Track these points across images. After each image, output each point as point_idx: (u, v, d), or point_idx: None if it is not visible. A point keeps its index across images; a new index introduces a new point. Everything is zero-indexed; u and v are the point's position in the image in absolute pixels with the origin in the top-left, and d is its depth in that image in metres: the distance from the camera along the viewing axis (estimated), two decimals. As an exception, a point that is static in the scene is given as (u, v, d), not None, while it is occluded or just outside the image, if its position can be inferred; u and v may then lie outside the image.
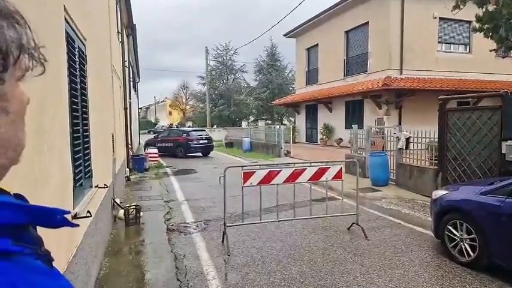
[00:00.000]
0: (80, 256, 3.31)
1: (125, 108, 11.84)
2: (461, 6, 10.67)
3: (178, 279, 4.24)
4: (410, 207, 7.28)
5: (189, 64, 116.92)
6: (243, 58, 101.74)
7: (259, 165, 6.35)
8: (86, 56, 4.30)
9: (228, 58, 42.83)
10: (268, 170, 5.61)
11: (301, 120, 25.90)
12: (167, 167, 15.10)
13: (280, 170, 5.66)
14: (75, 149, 3.46)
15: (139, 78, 28.56)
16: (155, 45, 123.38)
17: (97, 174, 4.57)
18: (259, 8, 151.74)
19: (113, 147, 7.08)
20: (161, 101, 68.86)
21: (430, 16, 17.38)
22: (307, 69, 25.07)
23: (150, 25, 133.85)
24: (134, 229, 6.26)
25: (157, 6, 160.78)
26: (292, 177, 5.60)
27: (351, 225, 5.95)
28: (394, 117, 16.96)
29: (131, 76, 16.83)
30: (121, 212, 6.52)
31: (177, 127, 40.97)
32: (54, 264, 0.57)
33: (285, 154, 17.14)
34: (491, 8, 10.30)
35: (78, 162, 3.60)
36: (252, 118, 42.06)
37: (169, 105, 64.96)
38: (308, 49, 24.69)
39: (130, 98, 13.62)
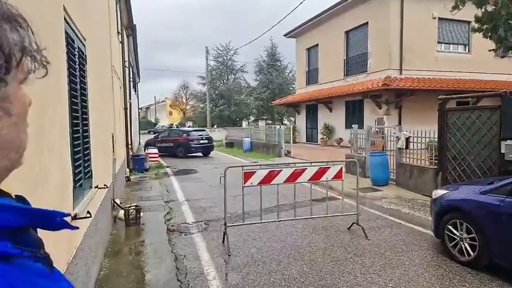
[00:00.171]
0: (80, 257, 3.31)
1: (125, 108, 11.85)
2: (460, 7, 10.68)
3: (178, 280, 4.24)
4: (411, 207, 7.28)
5: (189, 64, 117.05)
6: (243, 58, 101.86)
7: (260, 165, 6.35)
8: (85, 56, 4.30)
9: (228, 58, 42.86)
10: (268, 170, 5.61)
11: (301, 120, 25.90)
12: (167, 167, 15.10)
13: (281, 170, 5.66)
14: (75, 150, 3.46)
15: (139, 78, 28.57)
16: (155, 45, 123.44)
17: (97, 175, 4.57)
18: (259, 8, 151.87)
19: (113, 147, 7.08)
20: (161, 101, 68.86)
21: (430, 16, 17.40)
22: (307, 69, 25.07)
23: (150, 25, 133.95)
24: (134, 229, 6.26)
25: (158, 6, 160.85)
26: (293, 177, 5.60)
27: (351, 225, 5.95)
28: (394, 117, 16.97)
29: (131, 76, 16.84)
30: (121, 213, 6.52)
31: (177, 127, 40.97)
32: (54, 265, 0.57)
33: (286, 154, 17.14)
34: (490, 8, 10.31)
35: (78, 163, 3.60)
36: (252, 118, 42.10)
37: (170, 105, 64.96)
38: (308, 49, 24.70)
39: (130, 98, 13.63)
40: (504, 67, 17.71)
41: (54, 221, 0.54)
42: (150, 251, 5.23)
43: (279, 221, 5.95)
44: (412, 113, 16.49)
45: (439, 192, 5.23)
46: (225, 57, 42.76)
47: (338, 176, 5.78)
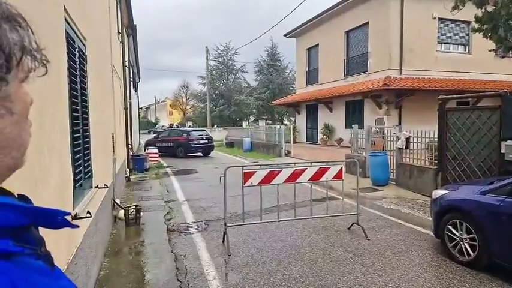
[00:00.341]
0: (80, 256, 3.31)
1: (125, 108, 11.85)
2: (460, 7, 10.68)
3: (178, 280, 4.24)
4: (411, 207, 7.29)
5: (190, 64, 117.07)
6: (244, 58, 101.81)
7: (260, 165, 6.35)
8: (86, 56, 4.30)
9: (228, 58, 42.88)
10: (268, 170, 5.61)
11: (301, 120, 25.90)
12: (167, 167, 15.10)
13: (281, 170, 5.66)
14: (75, 149, 3.46)
15: (139, 78, 28.57)
16: (155, 45, 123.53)
17: (97, 175, 4.57)
18: (259, 8, 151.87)
19: (113, 147, 7.09)
20: (161, 101, 68.86)
21: (430, 16, 17.40)
22: (307, 69, 25.07)
23: (150, 25, 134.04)
24: (134, 229, 6.26)
25: (158, 6, 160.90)
26: (293, 177, 5.61)
27: (352, 225, 5.95)
28: (394, 117, 16.97)
29: (131, 76, 16.84)
30: (121, 212, 6.52)
31: (178, 127, 40.98)
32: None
33: (286, 154, 17.14)
34: (490, 8, 10.31)
35: (78, 163, 3.60)
36: (252, 118, 42.13)
37: (170, 105, 64.95)
38: (308, 49, 24.70)
39: (130, 98, 13.63)
40: (504, 67, 17.70)
41: (56, 219, 0.55)
42: (150, 251, 5.23)
43: (279, 221, 5.95)
44: (412, 113, 16.50)
45: (439, 192, 5.23)
46: (225, 57, 42.80)
47: (338, 176, 5.78)
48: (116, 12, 9.42)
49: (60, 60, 2.98)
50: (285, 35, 26.44)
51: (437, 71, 17.41)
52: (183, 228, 6.27)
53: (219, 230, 5.93)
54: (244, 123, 36.53)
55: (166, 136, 20.74)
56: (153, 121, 60.95)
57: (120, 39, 10.74)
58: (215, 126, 37.64)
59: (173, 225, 6.44)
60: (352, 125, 12.08)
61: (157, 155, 16.63)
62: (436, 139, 7.87)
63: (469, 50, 18.61)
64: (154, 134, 29.88)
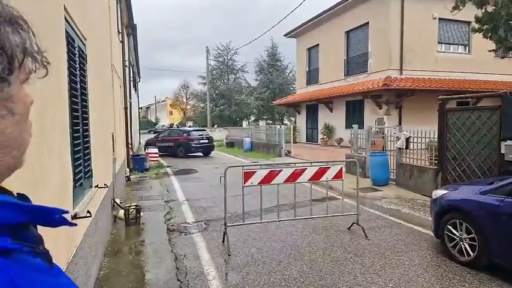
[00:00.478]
0: (80, 256, 3.31)
1: (125, 108, 11.85)
2: (460, 7, 10.68)
3: (178, 280, 4.24)
4: (411, 207, 7.29)
5: (190, 64, 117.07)
6: (244, 58, 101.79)
7: (260, 165, 6.35)
8: (86, 55, 4.30)
9: (228, 58, 42.89)
10: (268, 170, 5.61)
11: (301, 120, 25.91)
12: (168, 166, 15.10)
13: (281, 170, 5.66)
14: (75, 149, 3.46)
15: (139, 77, 28.57)
16: (156, 44, 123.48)
17: (97, 174, 4.57)
18: (259, 8, 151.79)
19: (113, 146, 7.09)
20: (162, 101, 68.86)
21: (430, 16, 17.40)
22: (307, 69, 25.07)
23: (150, 25, 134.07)
24: (134, 229, 6.26)
25: (158, 6, 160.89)
26: (293, 177, 5.61)
27: (351, 225, 5.95)
28: (394, 117, 16.97)
29: (131, 76, 16.84)
30: (121, 212, 6.52)
31: (178, 127, 41.00)
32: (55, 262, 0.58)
33: (286, 154, 17.14)
34: (490, 8, 10.32)
35: (78, 162, 3.60)
36: (252, 118, 42.13)
37: (170, 105, 64.96)
38: (309, 49, 24.70)
39: (130, 98, 13.63)
40: (504, 67, 17.70)
41: (53, 217, 0.56)
42: (150, 251, 5.23)
43: (279, 221, 5.95)
44: (412, 113, 16.50)
45: (439, 193, 5.23)
46: (225, 57, 42.81)
47: (338, 176, 5.78)
48: (116, 11, 9.43)
49: (60, 59, 2.98)
50: (285, 35, 26.44)
51: (438, 71, 17.41)
52: (183, 228, 6.27)
53: (219, 229, 5.93)
54: (245, 123, 36.53)
55: (167, 136, 20.73)
56: (153, 121, 60.95)
57: (120, 39, 10.75)
58: (215, 126, 37.65)
59: (173, 225, 6.45)
60: (352, 125, 12.09)
61: (157, 155, 16.63)
62: (436, 139, 7.87)
63: (469, 50, 18.61)
64: (154, 133, 29.89)
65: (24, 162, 0.59)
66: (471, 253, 4.42)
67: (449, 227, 4.74)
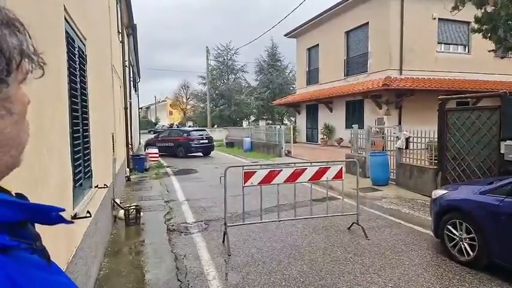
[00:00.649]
0: (80, 256, 3.31)
1: (125, 108, 11.85)
2: (460, 7, 10.69)
3: (178, 280, 4.24)
4: (410, 207, 7.29)
5: (190, 64, 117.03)
6: (244, 58, 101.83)
7: (260, 165, 6.36)
8: (85, 55, 4.30)
9: (228, 58, 42.90)
10: (268, 170, 5.61)
11: (301, 120, 25.92)
12: (168, 167, 15.11)
13: (281, 170, 5.67)
14: (75, 149, 3.46)
15: (139, 77, 28.57)
16: (156, 44, 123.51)
17: (97, 174, 4.57)
18: (259, 8, 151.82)
19: (113, 147, 7.09)
20: (162, 101, 68.85)
21: (430, 17, 17.41)
22: (307, 69, 25.08)
23: (150, 25, 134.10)
24: (134, 229, 6.26)
25: (158, 6, 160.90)
26: (293, 177, 5.61)
27: (351, 225, 5.95)
28: (394, 117, 16.98)
29: (131, 76, 16.84)
30: (121, 212, 6.52)
31: (178, 127, 40.96)
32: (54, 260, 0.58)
33: (286, 154, 17.15)
34: (489, 9, 10.32)
35: (77, 162, 3.60)
36: (252, 118, 42.13)
37: (170, 105, 64.96)
38: (309, 49, 24.71)
39: (130, 98, 13.63)
40: (504, 67, 17.72)
41: (50, 215, 0.57)
42: (150, 251, 5.23)
43: (279, 221, 5.95)
44: (412, 113, 16.50)
45: (438, 192, 5.24)
46: (225, 57, 42.82)
47: (338, 176, 5.78)
48: (116, 11, 9.43)
49: (60, 60, 2.98)
50: (285, 35, 26.45)
51: (437, 71, 17.42)
52: (183, 228, 6.27)
53: (219, 229, 5.93)
54: (245, 123, 36.53)
55: (167, 136, 20.73)
56: (153, 121, 60.94)
57: (120, 39, 10.75)
58: (215, 126, 37.65)
59: (173, 225, 6.45)
60: (352, 125, 12.09)
61: (157, 155, 16.63)
62: (436, 139, 7.88)
63: (468, 50, 18.62)
64: (154, 133, 29.89)
65: (22, 162, 0.60)
66: (471, 253, 4.42)
67: (449, 226, 4.74)
